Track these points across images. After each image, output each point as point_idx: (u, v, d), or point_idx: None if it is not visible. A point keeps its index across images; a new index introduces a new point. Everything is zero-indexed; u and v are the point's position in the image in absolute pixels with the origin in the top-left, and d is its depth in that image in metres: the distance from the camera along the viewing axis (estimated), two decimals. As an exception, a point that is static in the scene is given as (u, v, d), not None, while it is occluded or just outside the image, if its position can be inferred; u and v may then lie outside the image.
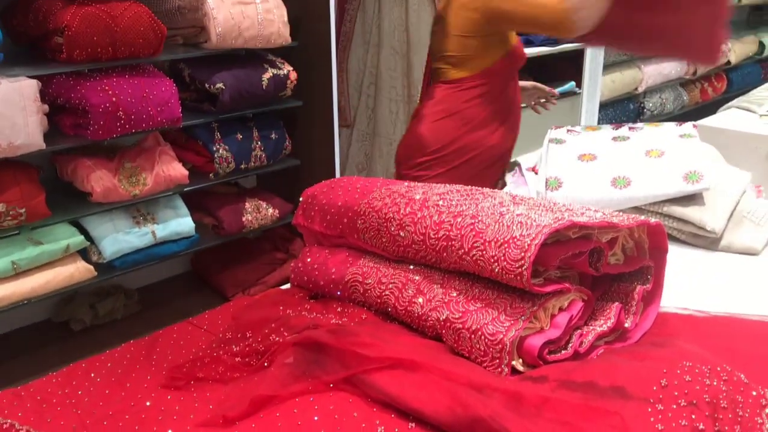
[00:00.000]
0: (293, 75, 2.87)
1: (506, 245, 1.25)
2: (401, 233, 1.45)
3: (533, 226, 1.26)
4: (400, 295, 1.42)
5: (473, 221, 1.34)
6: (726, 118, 3.08)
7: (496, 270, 1.26)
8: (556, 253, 1.26)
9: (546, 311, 1.27)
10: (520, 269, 1.22)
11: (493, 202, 1.41)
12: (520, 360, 1.24)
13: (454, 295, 1.35)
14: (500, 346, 1.23)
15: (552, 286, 1.26)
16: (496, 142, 2.12)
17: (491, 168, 2.17)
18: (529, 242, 1.23)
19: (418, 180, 2.06)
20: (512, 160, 2.25)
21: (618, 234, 1.36)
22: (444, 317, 1.32)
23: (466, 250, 1.31)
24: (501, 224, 1.30)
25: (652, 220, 1.42)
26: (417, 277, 1.42)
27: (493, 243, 1.28)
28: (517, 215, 1.31)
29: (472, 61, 2.05)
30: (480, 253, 1.29)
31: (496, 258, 1.26)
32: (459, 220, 1.36)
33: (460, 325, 1.29)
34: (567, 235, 1.30)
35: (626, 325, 1.35)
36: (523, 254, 1.22)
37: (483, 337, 1.25)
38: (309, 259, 1.63)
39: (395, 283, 1.44)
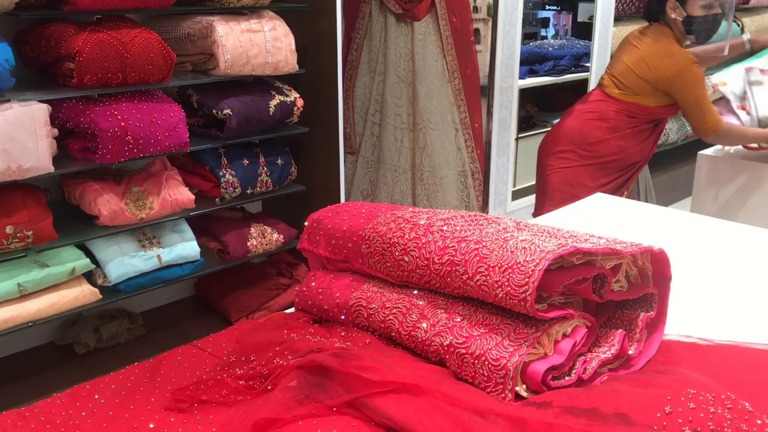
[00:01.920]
0: (300, 102, 2.90)
1: (510, 270, 1.26)
2: (405, 258, 1.45)
3: (537, 251, 1.26)
4: (404, 320, 1.42)
5: (477, 246, 1.34)
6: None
7: (500, 295, 1.27)
8: (559, 279, 1.27)
9: (550, 337, 1.27)
10: (524, 294, 1.23)
11: (497, 227, 1.42)
12: (524, 386, 1.24)
13: (458, 320, 1.35)
14: (504, 371, 1.23)
15: (556, 312, 1.27)
16: (633, 152, 2.39)
17: (622, 174, 2.42)
18: (533, 268, 1.23)
19: (555, 168, 2.40)
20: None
21: (621, 261, 1.37)
22: (448, 342, 1.32)
23: (471, 275, 1.32)
24: (505, 250, 1.30)
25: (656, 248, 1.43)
26: (421, 302, 1.43)
27: (497, 268, 1.28)
28: (521, 241, 1.32)
29: (630, 91, 2.32)
30: (484, 278, 1.30)
31: (500, 283, 1.26)
32: (463, 245, 1.37)
33: (464, 351, 1.29)
34: (571, 262, 1.30)
35: (630, 352, 1.35)
36: (527, 280, 1.23)
37: (486, 363, 1.25)
38: (313, 284, 1.63)
39: (399, 307, 1.44)
